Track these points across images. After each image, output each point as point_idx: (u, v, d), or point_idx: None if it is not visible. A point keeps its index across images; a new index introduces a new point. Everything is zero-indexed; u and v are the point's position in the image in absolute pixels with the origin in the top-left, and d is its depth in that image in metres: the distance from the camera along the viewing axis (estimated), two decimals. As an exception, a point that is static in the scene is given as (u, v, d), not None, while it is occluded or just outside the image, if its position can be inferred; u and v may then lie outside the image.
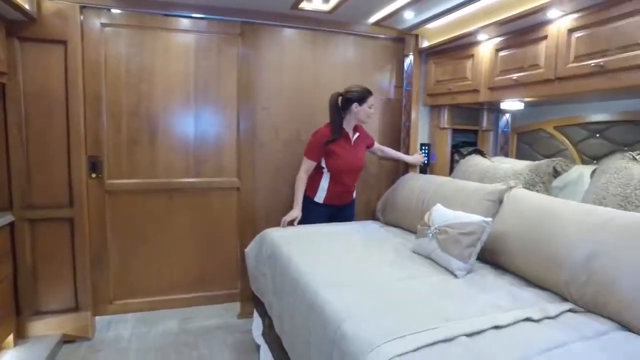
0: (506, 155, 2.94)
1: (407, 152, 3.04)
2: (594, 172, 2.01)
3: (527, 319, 1.33)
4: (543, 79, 2.08)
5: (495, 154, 3.02)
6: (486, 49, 2.46)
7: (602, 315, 1.38)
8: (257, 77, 2.80)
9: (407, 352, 1.12)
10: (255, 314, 2.48)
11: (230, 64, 2.75)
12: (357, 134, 2.65)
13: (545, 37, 2.07)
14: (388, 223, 2.73)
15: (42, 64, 2.35)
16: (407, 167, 3.04)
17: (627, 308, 1.30)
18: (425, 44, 2.90)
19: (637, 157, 1.87)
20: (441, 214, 1.98)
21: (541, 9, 1.96)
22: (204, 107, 2.74)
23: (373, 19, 2.81)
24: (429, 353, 1.13)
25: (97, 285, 2.62)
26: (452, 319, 1.31)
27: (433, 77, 2.93)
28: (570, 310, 1.43)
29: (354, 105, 2.52)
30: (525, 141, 2.84)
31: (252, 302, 2.55)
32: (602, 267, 1.39)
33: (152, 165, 2.67)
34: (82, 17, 2.41)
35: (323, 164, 2.58)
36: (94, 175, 2.54)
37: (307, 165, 2.57)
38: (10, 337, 2.32)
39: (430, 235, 1.93)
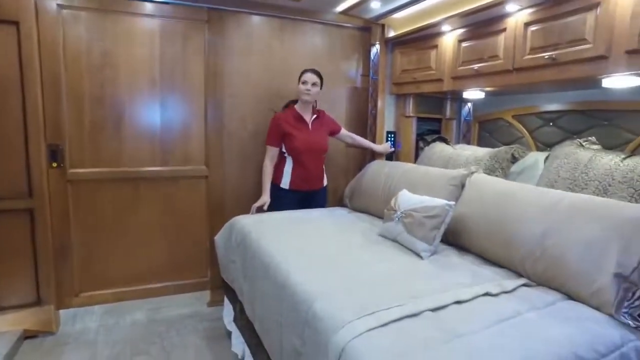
0: (468, 142, 3.06)
1: (373, 140, 3.11)
2: (547, 158, 2.15)
3: (486, 294, 1.44)
4: (502, 69, 2.18)
5: (458, 142, 3.14)
6: (449, 39, 2.54)
7: (551, 288, 1.51)
8: (224, 65, 2.77)
9: (376, 327, 1.18)
10: (226, 301, 2.49)
11: (197, 51, 2.71)
12: (315, 116, 2.70)
13: (504, 30, 2.17)
14: (356, 209, 2.80)
15: (-7, 45, 2.23)
16: (374, 155, 3.12)
17: (571, 280, 1.43)
18: (391, 33, 2.96)
19: (584, 144, 2.01)
20: (407, 199, 2.06)
21: (500, 2, 2.04)
22: (170, 95, 2.68)
23: (340, 7, 2.84)
24: (397, 327, 1.20)
25: (61, 278, 2.54)
26: (418, 296, 1.38)
27: (399, 67, 3.00)
28: (524, 285, 1.55)
29: (298, 85, 2.62)
30: (485, 129, 2.97)
31: (222, 290, 2.56)
32: (553, 244, 1.51)
33: (117, 154, 2.60)
34: (36, -2, 2.29)
35: (284, 149, 2.64)
36: (54, 164, 2.44)
37: (270, 152, 2.65)
38: (-33, 334, 2.22)
39: (397, 219, 2.00)
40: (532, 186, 1.88)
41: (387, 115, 3.16)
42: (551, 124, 2.48)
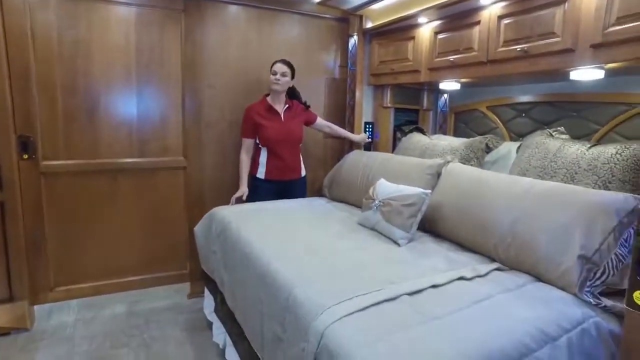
0: (444, 133, 3.13)
1: (352, 131, 3.14)
2: (519, 147, 2.22)
3: (461, 278, 1.50)
4: (476, 61, 2.23)
5: (435, 132, 3.20)
6: (426, 31, 2.58)
7: (522, 271, 1.58)
8: (202, 55, 2.74)
9: (355, 311, 1.22)
10: (206, 292, 2.49)
11: (173, 40, 2.66)
12: (287, 106, 2.72)
13: (478, 22, 2.22)
14: (334, 199, 2.84)
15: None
16: (352, 145, 3.15)
17: (540, 263, 1.51)
18: (369, 24, 2.98)
19: (553, 134, 2.10)
20: (385, 188, 2.10)
21: (475, -5, 2.09)
22: (147, 85, 2.64)
23: (318, -2, 2.84)
24: (376, 311, 1.24)
25: (35, 273, 2.49)
26: (396, 282, 1.43)
27: (376, 58, 3.03)
28: (497, 269, 1.62)
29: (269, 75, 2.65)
30: (461, 120, 3.04)
31: (203, 281, 2.56)
32: (524, 230, 1.58)
33: (92, 145, 2.54)
34: (-1, -18, 2.20)
35: (258, 140, 2.68)
36: (25, 156, 2.37)
37: (245, 144, 2.68)
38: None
39: (375, 207, 2.05)
40: (504, 175, 1.95)
41: (365, 106, 3.18)
42: (523, 114, 2.56)
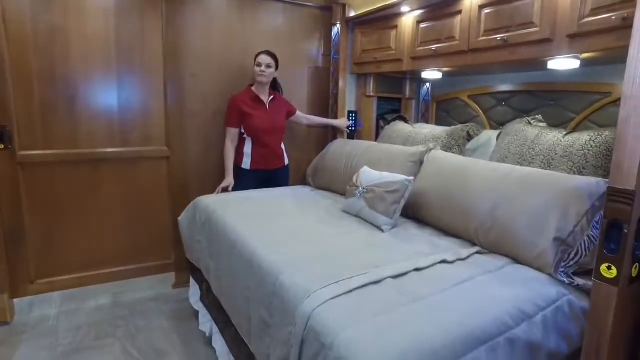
0: (427, 121, 3.18)
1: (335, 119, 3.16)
2: (499, 135, 2.28)
3: (443, 261, 1.54)
4: (458, 50, 2.27)
5: (417, 121, 3.25)
6: (409, 20, 2.60)
7: (501, 254, 1.64)
8: (184, 44, 2.70)
9: (340, 295, 1.25)
10: (192, 281, 2.50)
11: (154, 28, 2.61)
12: (272, 97, 2.74)
13: (460, 12, 2.24)
14: (318, 187, 2.86)
15: None
16: (335, 134, 3.17)
17: (518, 246, 1.56)
18: (352, 13, 2.98)
19: (531, 122, 2.16)
20: (368, 175, 2.13)
21: (456, -16, 2.12)
22: (127, 73, 2.59)
23: (301, -14, 2.82)
24: (361, 293, 1.27)
25: (15, 265, 2.44)
26: (380, 266, 1.46)
27: (360, 46, 3.04)
28: (478, 253, 1.67)
29: (254, 67, 2.65)
30: (443, 109, 3.09)
31: (188, 271, 2.56)
32: (503, 215, 1.63)
33: (72, 135, 2.49)
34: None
35: (243, 130, 2.67)
36: (1, 146, 2.31)
37: (230, 134, 2.67)
38: None
39: (359, 194, 2.08)
40: (485, 161, 2.00)
41: (348, 94, 3.20)
42: (503, 103, 2.61)
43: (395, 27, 2.70)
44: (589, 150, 1.74)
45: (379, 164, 2.29)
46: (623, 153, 0.92)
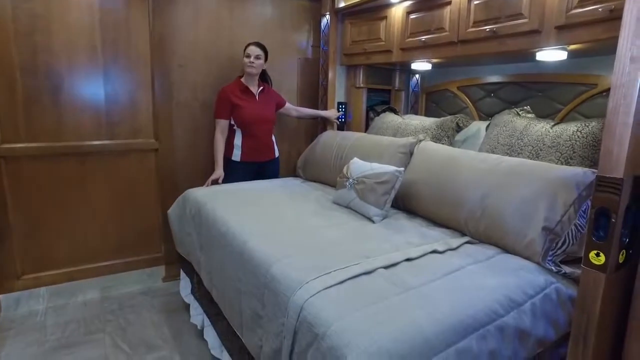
0: (416, 112, 3.19)
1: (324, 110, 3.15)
2: (488, 126, 2.30)
3: (434, 251, 1.56)
4: (447, 41, 2.27)
5: (407, 112, 3.26)
6: (398, 11, 2.59)
7: (491, 244, 1.66)
8: (171, 34, 2.65)
9: (333, 285, 1.25)
10: (182, 274, 2.48)
11: (140, 17, 2.55)
12: (261, 88, 2.72)
13: (449, 3, 2.24)
14: (309, 179, 2.86)
15: None
16: (325, 125, 3.16)
17: (508, 235, 1.59)
18: (341, 4, 2.95)
19: (520, 113, 2.18)
20: (358, 166, 2.13)
21: (446, -26, 2.11)
22: (114, 63, 2.53)
23: (290, -25, 2.79)
24: (353, 284, 1.27)
25: None
26: (371, 256, 1.47)
27: (349, 38, 3.02)
28: (468, 242, 1.69)
29: (243, 58, 2.63)
30: (432, 100, 3.10)
31: (178, 264, 2.54)
32: (492, 205, 1.65)
33: (57, 128, 2.43)
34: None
35: (233, 122, 2.65)
36: (-17, 139, 2.26)
37: (220, 126, 2.63)
38: None
39: (349, 186, 2.08)
40: (474, 152, 2.02)
41: (337, 86, 3.19)
42: (492, 95, 2.63)
43: (385, 18, 2.69)
44: (576, 140, 1.76)
45: (369, 155, 2.29)
46: (611, 141, 0.93)
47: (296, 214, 2.01)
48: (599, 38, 1.62)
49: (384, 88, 3.29)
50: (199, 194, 2.29)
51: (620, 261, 0.98)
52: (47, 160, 2.44)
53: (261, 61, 2.62)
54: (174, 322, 2.38)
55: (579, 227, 1.46)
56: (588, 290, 1.00)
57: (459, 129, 2.47)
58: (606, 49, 1.81)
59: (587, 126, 1.77)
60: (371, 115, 3.23)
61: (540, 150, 1.86)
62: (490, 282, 1.33)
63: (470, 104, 2.77)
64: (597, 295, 0.98)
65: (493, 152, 2.06)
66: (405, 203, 2.09)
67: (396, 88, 3.30)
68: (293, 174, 3.08)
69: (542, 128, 1.93)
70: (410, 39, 2.51)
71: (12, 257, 2.44)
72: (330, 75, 3.10)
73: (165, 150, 2.75)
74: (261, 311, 1.41)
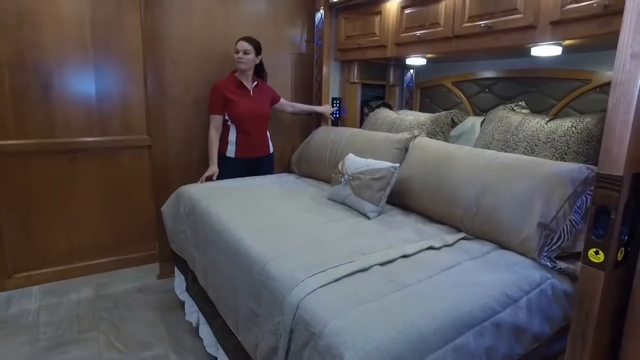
0: (411, 108, 3.18)
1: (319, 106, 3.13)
2: (483, 121, 2.30)
3: (430, 248, 1.56)
4: (442, 36, 2.26)
5: (401, 107, 3.25)
6: (393, 6, 2.57)
7: (487, 240, 1.67)
8: (164, 30, 2.62)
9: (329, 283, 1.25)
10: (177, 272, 2.46)
11: (132, 13, 2.52)
12: (255, 83, 2.70)
13: (445, -3, 2.24)
14: (303, 175, 2.85)
15: None
16: (319, 121, 3.14)
17: (503, 231, 1.59)
18: (335, -2, 2.94)
19: (515, 108, 2.18)
20: (353, 162, 2.12)
21: (441, -31, 2.10)
22: (105, 59, 2.50)
23: (284, -31, 2.75)
24: (349, 281, 1.27)
25: (-10, 260, 2.37)
26: (367, 253, 1.47)
27: (343, 32, 3.00)
28: (463, 239, 1.69)
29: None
30: (427, 95, 3.09)
31: (172, 261, 2.52)
32: (487, 201, 1.65)
33: (47, 124, 2.40)
34: None
35: (227, 117, 2.62)
36: (-29, 137, 2.22)
37: (214, 122, 2.61)
38: None
39: (344, 182, 2.07)
40: (469, 148, 2.01)
41: (332, 81, 3.17)
42: (487, 90, 2.63)
43: (380, 12, 2.67)
44: (570, 136, 1.77)
45: (364, 151, 2.28)
46: (612, 139, 0.93)
47: (291, 210, 2.00)
48: (593, 34, 1.61)
49: (379, 83, 3.28)
50: (193, 190, 2.27)
51: (619, 259, 0.98)
52: (37, 156, 2.41)
53: (250, 56, 2.59)
54: (169, 319, 2.37)
55: (574, 223, 1.47)
56: (587, 288, 1.01)
57: (453, 124, 2.47)
58: (601, 44, 1.82)
59: (582, 122, 1.77)
60: (366, 110, 3.22)
61: (535, 145, 1.87)
62: (486, 278, 1.34)
63: (465, 99, 2.76)
64: (596, 293, 0.99)
65: (488, 148, 2.06)
66: (401, 199, 2.08)
67: (391, 83, 3.29)
68: (287, 169, 3.07)
69: (537, 124, 1.93)
70: (405, 34, 2.50)
71: (2, 255, 2.41)
72: (324, 70, 3.08)
73: (159, 146, 2.73)
74: (257, 309, 1.40)
